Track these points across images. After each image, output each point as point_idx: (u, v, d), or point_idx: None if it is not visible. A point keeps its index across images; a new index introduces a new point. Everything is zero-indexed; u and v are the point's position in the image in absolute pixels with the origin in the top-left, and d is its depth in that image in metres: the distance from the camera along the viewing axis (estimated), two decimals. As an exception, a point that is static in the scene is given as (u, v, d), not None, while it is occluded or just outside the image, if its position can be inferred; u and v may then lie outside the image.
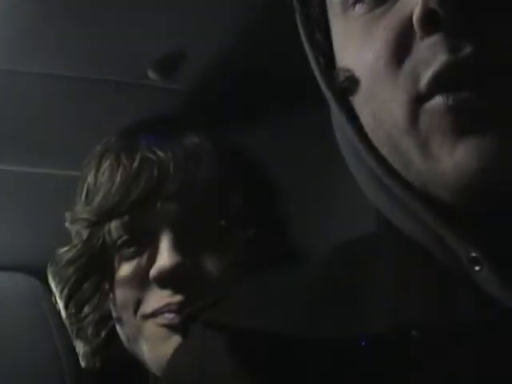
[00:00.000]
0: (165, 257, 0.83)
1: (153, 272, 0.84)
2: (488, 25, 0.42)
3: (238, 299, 0.56)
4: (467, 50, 0.42)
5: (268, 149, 1.02)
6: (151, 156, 0.85)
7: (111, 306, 0.90)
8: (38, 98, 1.15)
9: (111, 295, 0.89)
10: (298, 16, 0.55)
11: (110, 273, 0.88)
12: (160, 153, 0.86)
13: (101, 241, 0.87)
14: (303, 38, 0.55)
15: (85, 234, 0.88)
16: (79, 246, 0.88)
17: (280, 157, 1.01)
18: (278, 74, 1.01)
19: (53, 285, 0.94)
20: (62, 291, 0.91)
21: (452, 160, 0.43)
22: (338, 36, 0.52)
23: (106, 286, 0.89)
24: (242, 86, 1.06)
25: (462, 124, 0.42)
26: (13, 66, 1.08)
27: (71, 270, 0.89)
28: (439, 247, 0.46)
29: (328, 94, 0.52)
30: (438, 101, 0.43)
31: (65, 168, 1.17)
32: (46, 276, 1.04)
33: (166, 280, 0.83)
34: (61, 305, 0.93)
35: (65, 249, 0.91)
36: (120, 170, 0.85)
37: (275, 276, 0.59)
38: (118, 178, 0.85)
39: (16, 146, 1.26)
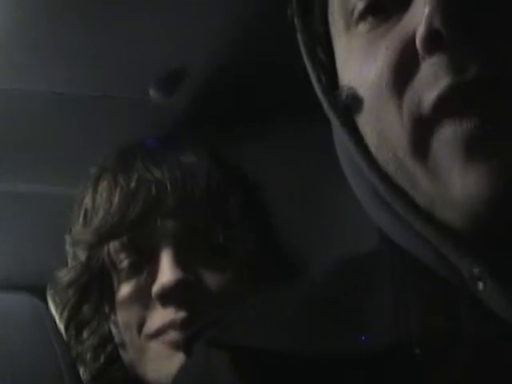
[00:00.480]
0: (167, 273, 0.82)
1: (155, 289, 0.83)
2: (492, 44, 0.42)
3: (239, 317, 0.56)
4: (471, 71, 0.41)
5: (267, 164, 1.03)
6: (148, 175, 0.85)
7: (112, 329, 0.90)
8: (39, 116, 1.16)
9: (112, 317, 0.89)
10: (299, 34, 0.55)
11: (110, 294, 0.88)
12: (156, 171, 0.86)
13: (100, 262, 0.87)
14: (304, 56, 0.54)
15: (83, 255, 0.88)
16: (78, 267, 0.88)
17: (279, 172, 1.01)
18: (278, 91, 1.02)
19: (52, 307, 0.94)
20: (61, 314, 0.91)
21: (463, 185, 0.42)
22: (341, 54, 0.52)
23: (106, 308, 0.89)
24: (242, 102, 1.06)
25: (472, 149, 0.42)
26: (14, 84, 1.08)
27: (70, 292, 0.89)
28: (441, 264, 0.45)
29: (330, 112, 0.51)
30: (446, 126, 0.43)
31: (67, 187, 1.18)
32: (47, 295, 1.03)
33: (168, 297, 0.83)
34: (61, 327, 0.93)
35: (63, 271, 0.90)
36: (118, 190, 0.85)
37: (275, 293, 0.58)
38: (116, 199, 0.85)
39: (18, 166, 1.27)
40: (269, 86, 1.03)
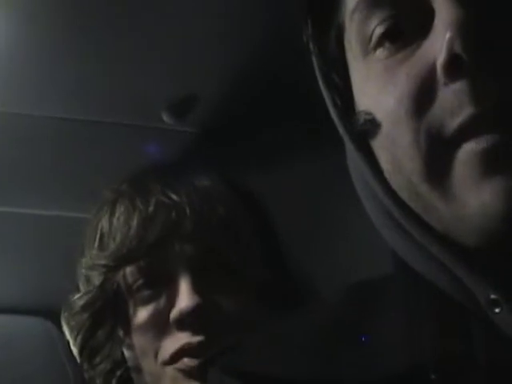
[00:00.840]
0: (185, 298, 0.82)
1: (173, 314, 0.83)
2: None
3: (253, 344, 0.56)
4: (493, 98, 0.42)
5: (278, 188, 1.03)
6: (166, 200, 0.86)
7: (126, 353, 0.89)
8: (50, 141, 1.16)
9: (127, 341, 0.88)
10: (314, 57, 0.55)
11: (125, 318, 0.87)
12: (174, 195, 0.86)
13: (115, 285, 0.87)
14: (320, 80, 0.54)
15: (99, 279, 0.88)
16: (93, 291, 0.88)
17: (290, 196, 1.01)
18: (289, 113, 1.03)
19: (67, 331, 0.93)
20: (75, 338, 0.90)
21: (478, 202, 0.42)
22: (358, 79, 0.52)
23: (120, 332, 0.89)
24: (253, 125, 1.07)
25: (488, 166, 0.42)
26: (26, 109, 1.09)
27: (85, 316, 0.88)
28: (457, 288, 0.45)
29: (346, 136, 0.52)
30: (464, 148, 0.43)
31: (81, 211, 1.18)
32: (61, 320, 1.03)
33: (186, 321, 0.83)
34: (75, 352, 0.92)
35: (78, 295, 0.90)
36: (136, 214, 0.85)
37: (289, 319, 0.58)
38: (135, 222, 0.85)
39: (29, 189, 1.27)
40: (280, 111, 1.03)
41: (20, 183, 1.25)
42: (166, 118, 1.10)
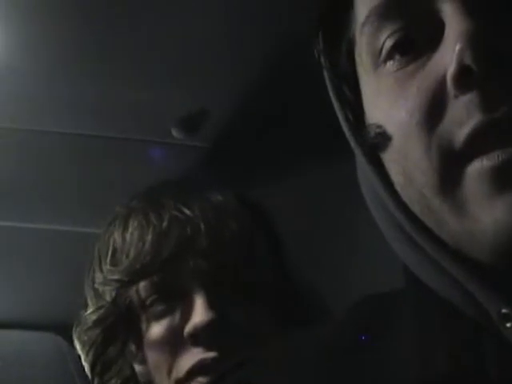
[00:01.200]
0: (201, 313, 0.82)
1: (189, 329, 0.83)
2: None
3: (265, 360, 0.56)
4: (503, 108, 0.42)
5: (289, 202, 1.03)
6: (179, 215, 0.86)
7: (138, 370, 0.89)
8: (62, 157, 1.17)
9: (139, 357, 0.88)
10: (325, 71, 0.55)
11: (137, 333, 0.87)
12: (188, 211, 0.86)
13: (127, 301, 0.87)
14: (331, 94, 0.54)
15: (110, 294, 0.87)
16: (106, 306, 0.87)
17: (304, 210, 1.01)
18: (299, 128, 1.03)
19: (78, 347, 0.93)
20: (87, 354, 0.90)
21: (491, 218, 0.42)
22: (369, 93, 0.52)
23: (132, 347, 0.88)
24: (264, 140, 1.07)
25: (499, 183, 0.42)
26: (37, 125, 1.10)
27: (97, 332, 0.88)
28: (469, 303, 0.45)
29: (357, 150, 0.51)
30: (476, 161, 0.43)
31: (90, 225, 1.19)
32: (72, 335, 1.03)
33: (201, 336, 0.83)
34: (86, 367, 0.92)
35: (90, 310, 0.90)
36: (150, 230, 0.85)
37: (300, 334, 0.58)
38: (149, 237, 0.85)
39: (41, 204, 1.28)
40: (290, 125, 1.04)
41: (33, 199, 1.26)
42: (175, 133, 1.11)
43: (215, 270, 0.84)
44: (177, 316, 0.84)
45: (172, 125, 1.10)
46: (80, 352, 0.92)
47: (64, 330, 1.09)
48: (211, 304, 0.82)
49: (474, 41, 0.42)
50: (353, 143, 0.52)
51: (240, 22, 0.92)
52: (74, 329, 0.93)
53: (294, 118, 1.03)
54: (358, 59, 0.52)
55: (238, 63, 0.99)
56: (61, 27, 0.92)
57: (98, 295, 0.89)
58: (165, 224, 0.85)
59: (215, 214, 0.86)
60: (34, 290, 1.41)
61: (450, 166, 0.44)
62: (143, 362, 0.88)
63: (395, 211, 0.49)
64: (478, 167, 0.43)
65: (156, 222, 0.85)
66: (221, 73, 1.01)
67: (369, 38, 0.49)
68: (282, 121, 1.05)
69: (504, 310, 0.43)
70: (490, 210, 0.42)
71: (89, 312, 0.89)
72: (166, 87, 1.04)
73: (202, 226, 0.84)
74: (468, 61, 0.42)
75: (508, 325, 0.43)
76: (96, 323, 0.88)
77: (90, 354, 0.89)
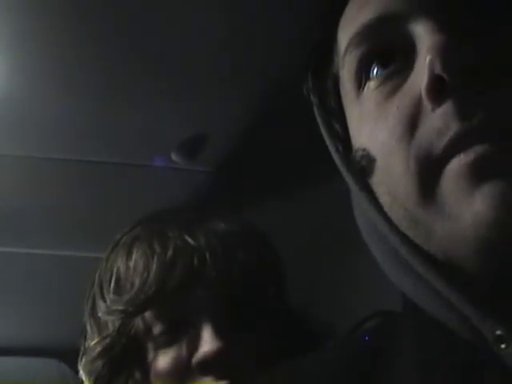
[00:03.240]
0: (209, 343, 0.80)
1: (197, 358, 0.82)
2: (497, 86, 0.43)
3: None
4: (478, 115, 0.42)
5: (290, 225, 1.03)
6: (184, 245, 0.85)
7: None
8: (63, 183, 1.18)
9: None
10: (315, 108, 0.57)
11: (143, 363, 0.85)
12: (193, 241, 0.86)
13: (133, 330, 0.86)
14: (321, 128, 0.56)
15: (113, 324, 0.86)
16: (111, 337, 0.86)
17: (304, 234, 1.01)
18: (299, 152, 1.03)
19: (84, 377, 0.91)
20: None
21: (471, 212, 0.42)
22: (354, 121, 0.53)
23: (138, 377, 0.87)
24: (263, 165, 1.08)
25: (476, 175, 0.42)
26: (39, 152, 1.11)
27: (102, 362, 0.87)
28: (464, 325, 0.46)
29: (348, 178, 0.53)
30: (453, 162, 0.43)
31: (94, 251, 1.19)
32: (75, 361, 1.03)
33: (209, 366, 0.82)
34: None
35: (94, 341, 0.89)
36: (155, 259, 0.84)
37: (307, 359, 0.59)
38: (154, 267, 0.83)
39: (42, 230, 1.28)
40: (290, 149, 1.04)
41: (34, 224, 1.27)
42: (175, 157, 1.11)
43: (223, 299, 0.84)
44: (184, 346, 0.83)
45: (172, 149, 1.11)
46: (85, 382, 0.91)
47: (68, 357, 1.09)
48: (219, 333, 0.81)
49: (443, 51, 0.43)
50: (344, 172, 0.53)
51: (240, 47, 0.93)
52: (79, 359, 0.91)
53: (293, 142, 1.03)
54: (342, 91, 0.54)
55: (237, 88, 1.00)
56: (63, 54, 0.93)
57: (101, 324, 0.87)
58: (170, 254, 0.83)
59: (221, 244, 0.84)
60: (38, 317, 1.41)
61: (427, 172, 0.45)
62: None
63: (387, 233, 0.49)
64: (455, 165, 0.43)
65: (161, 251, 0.84)
66: (220, 98, 1.02)
67: (349, 64, 0.51)
68: (281, 145, 1.06)
69: (498, 332, 0.44)
70: (469, 204, 0.43)
71: (93, 342, 0.88)
72: (165, 112, 1.05)
73: (208, 257, 0.83)
74: (438, 70, 0.43)
75: (503, 346, 0.43)
76: (101, 354, 0.86)
77: None
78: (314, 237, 1.03)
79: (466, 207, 0.43)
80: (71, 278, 1.24)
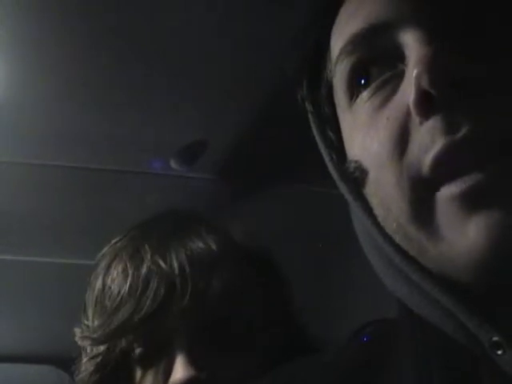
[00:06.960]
0: (179, 371, 0.80)
1: None
2: (483, 99, 0.43)
3: None
4: (464, 129, 0.42)
5: (287, 232, 1.03)
6: (156, 269, 0.84)
7: None
8: (62, 191, 1.18)
9: None
10: (310, 116, 0.57)
11: (133, 382, 0.86)
12: (164, 265, 0.83)
13: (118, 351, 0.84)
14: (316, 136, 0.56)
15: (100, 347, 0.85)
16: (101, 356, 0.85)
17: (301, 241, 1.01)
18: (298, 158, 1.03)
19: None
20: None
21: (464, 241, 0.42)
22: (347, 130, 0.53)
23: None
24: (262, 171, 1.08)
25: (468, 207, 0.42)
26: (37, 159, 1.11)
27: (96, 379, 0.87)
28: (460, 332, 0.46)
29: (343, 188, 0.52)
30: (444, 187, 0.43)
31: (91, 258, 1.19)
32: (73, 368, 1.03)
33: None
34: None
35: (86, 359, 0.89)
36: (128, 282, 0.82)
37: (306, 360, 0.59)
38: (126, 292, 0.82)
39: (41, 238, 1.28)
40: (290, 156, 1.04)
41: (33, 232, 1.27)
42: (174, 164, 1.11)
43: (196, 326, 0.82)
44: (160, 371, 0.83)
45: (171, 156, 1.11)
46: None
47: (65, 364, 1.08)
48: (192, 361, 0.80)
49: (431, 65, 0.43)
50: (338, 182, 0.53)
51: (240, 55, 0.94)
52: (74, 375, 0.92)
53: (293, 149, 1.03)
54: (336, 101, 0.54)
55: (236, 96, 1.00)
56: (62, 62, 0.93)
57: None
58: (142, 277, 0.82)
59: (194, 268, 0.82)
60: (36, 324, 1.40)
61: (420, 194, 0.45)
62: None
63: (382, 243, 0.49)
64: (447, 194, 0.43)
65: (133, 273, 0.83)
66: (219, 105, 1.02)
67: (341, 74, 0.51)
68: (280, 152, 1.06)
69: (495, 338, 0.44)
70: (463, 234, 0.43)
71: (85, 359, 0.88)
72: (164, 119, 1.05)
73: (179, 283, 0.81)
74: (426, 85, 0.43)
75: (499, 352, 0.43)
76: (94, 372, 0.86)
77: None
78: (313, 241, 1.03)
79: (460, 236, 0.43)
80: (69, 286, 1.24)
